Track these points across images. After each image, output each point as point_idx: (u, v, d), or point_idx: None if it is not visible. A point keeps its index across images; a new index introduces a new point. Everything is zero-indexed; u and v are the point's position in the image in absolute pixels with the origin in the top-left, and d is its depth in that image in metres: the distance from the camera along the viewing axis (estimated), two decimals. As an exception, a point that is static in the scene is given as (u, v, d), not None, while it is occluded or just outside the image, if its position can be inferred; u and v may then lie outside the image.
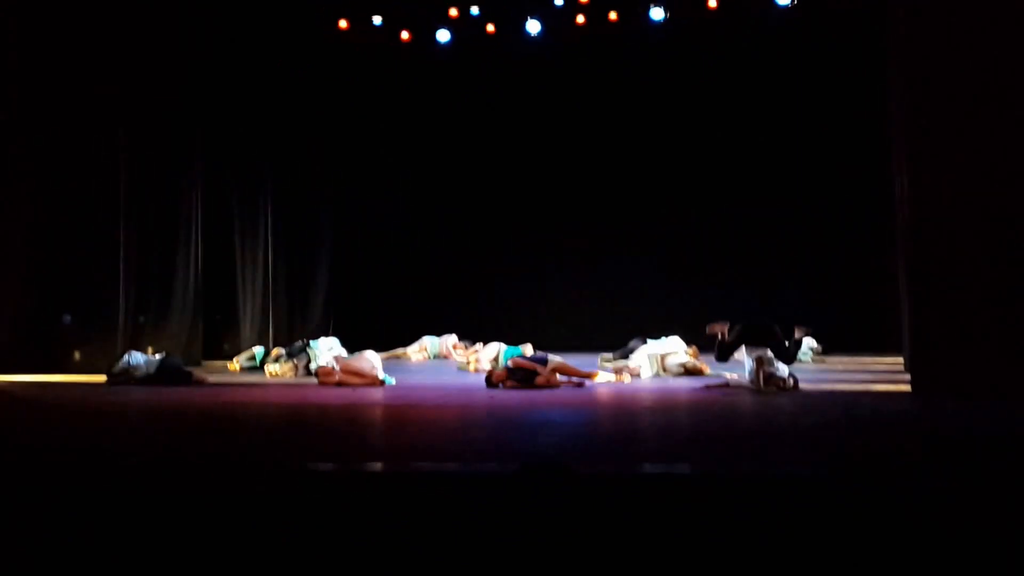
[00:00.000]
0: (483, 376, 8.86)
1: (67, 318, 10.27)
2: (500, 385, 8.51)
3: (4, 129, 9.56)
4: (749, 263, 13.15)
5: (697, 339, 10.37)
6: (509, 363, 8.68)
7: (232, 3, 11.83)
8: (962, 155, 7.39)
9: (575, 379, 8.65)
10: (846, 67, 12.49)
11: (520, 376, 8.48)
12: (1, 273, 9.37)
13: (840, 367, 10.34)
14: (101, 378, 9.46)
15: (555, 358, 8.71)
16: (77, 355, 10.25)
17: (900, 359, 9.98)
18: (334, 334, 11.63)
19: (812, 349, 10.95)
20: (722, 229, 13.45)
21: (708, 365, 9.41)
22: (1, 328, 9.42)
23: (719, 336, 8.52)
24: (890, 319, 10.95)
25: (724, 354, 8.54)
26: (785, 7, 11.93)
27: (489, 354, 10.54)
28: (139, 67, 10.65)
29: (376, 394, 8.36)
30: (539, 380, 8.43)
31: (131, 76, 10.54)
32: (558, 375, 8.57)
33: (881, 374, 9.46)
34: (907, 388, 7.81)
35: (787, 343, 8.26)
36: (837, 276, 12.98)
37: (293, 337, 12.00)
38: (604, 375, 8.95)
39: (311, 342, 10.29)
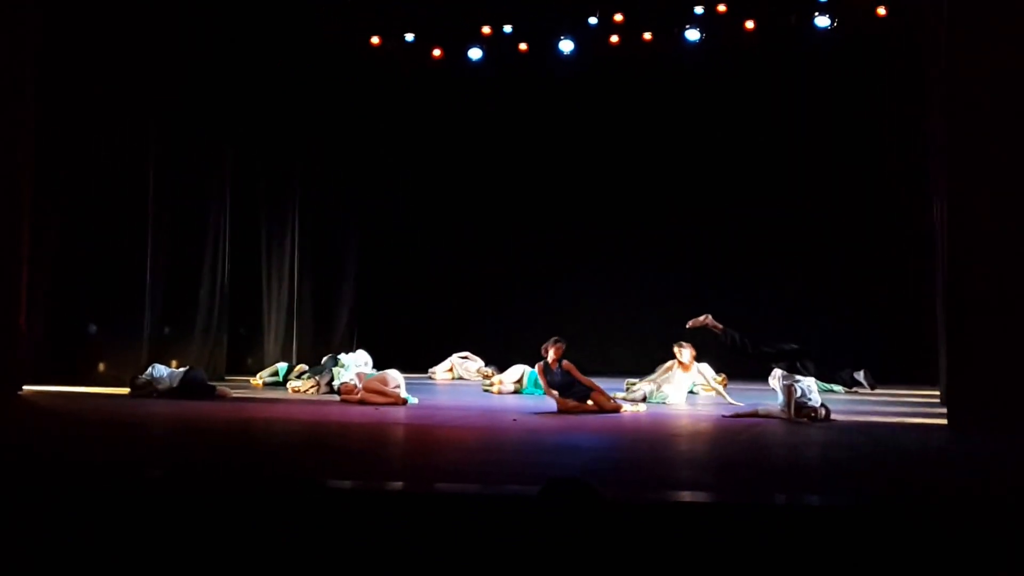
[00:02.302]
0: (505, 398, 8.71)
1: (92, 328, 10.29)
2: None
3: (33, 145, 9.61)
4: (784, 293, 12.92)
5: (727, 368, 10.22)
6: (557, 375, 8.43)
7: (263, 17, 11.88)
8: (1002, 183, 7.19)
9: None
10: (885, 90, 12.29)
11: (579, 393, 8.33)
12: (29, 285, 9.39)
13: (874, 398, 10.11)
14: (125, 390, 9.45)
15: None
16: (102, 367, 10.26)
17: (936, 392, 9.73)
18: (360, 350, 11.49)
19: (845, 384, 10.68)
20: (755, 255, 13.24)
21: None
22: (28, 339, 9.43)
23: (714, 329, 8.36)
24: (926, 351, 10.70)
25: (750, 357, 8.40)
26: (824, 30, 11.79)
27: (513, 376, 10.41)
28: (169, 81, 10.70)
29: (398, 413, 8.27)
30: (592, 400, 8.29)
31: (161, 90, 10.59)
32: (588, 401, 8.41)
33: (916, 407, 9.21)
34: (943, 422, 7.58)
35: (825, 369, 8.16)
36: (872, 306, 12.71)
37: (317, 353, 11.89)
38: (627, 407, 8.67)
39: (340, 357, 10.19)
